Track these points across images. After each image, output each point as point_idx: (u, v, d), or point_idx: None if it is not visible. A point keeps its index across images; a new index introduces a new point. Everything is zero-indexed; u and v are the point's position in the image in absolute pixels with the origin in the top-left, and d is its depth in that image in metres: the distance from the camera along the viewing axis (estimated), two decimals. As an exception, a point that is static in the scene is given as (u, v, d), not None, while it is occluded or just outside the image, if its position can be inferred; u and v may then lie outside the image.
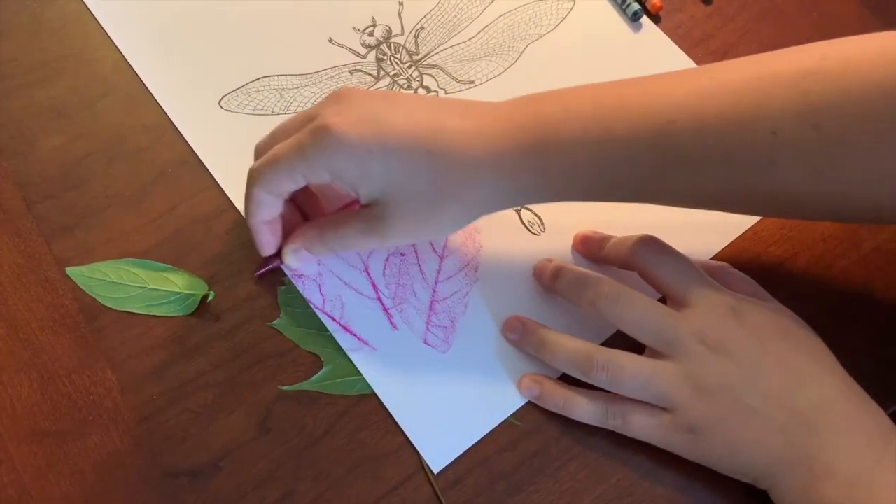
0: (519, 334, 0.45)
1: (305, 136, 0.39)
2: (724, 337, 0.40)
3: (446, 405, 0.44)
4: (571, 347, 0.43)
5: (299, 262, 0.45)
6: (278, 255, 0.45)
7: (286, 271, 0.47)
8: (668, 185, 0.40)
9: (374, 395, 0.44)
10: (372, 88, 0.52)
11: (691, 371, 0.40)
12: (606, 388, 0.42)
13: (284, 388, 0.44)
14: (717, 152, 0.38)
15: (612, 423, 0.42)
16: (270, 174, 0.40)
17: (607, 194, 0.41)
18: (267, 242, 0.44)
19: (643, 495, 0.43)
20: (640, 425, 0.42)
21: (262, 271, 0.46)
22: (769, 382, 0.40)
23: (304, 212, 0.46)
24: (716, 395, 0.40)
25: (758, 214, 0.45)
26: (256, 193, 0.41)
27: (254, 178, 0.41)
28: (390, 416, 0.44)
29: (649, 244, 0.43)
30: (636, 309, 0.42)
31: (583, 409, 0.43)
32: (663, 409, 0.41)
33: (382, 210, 0.40)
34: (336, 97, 0.41)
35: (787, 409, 0.39)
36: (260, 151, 0.43)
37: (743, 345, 0.40)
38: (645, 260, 0.43)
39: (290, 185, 0.41)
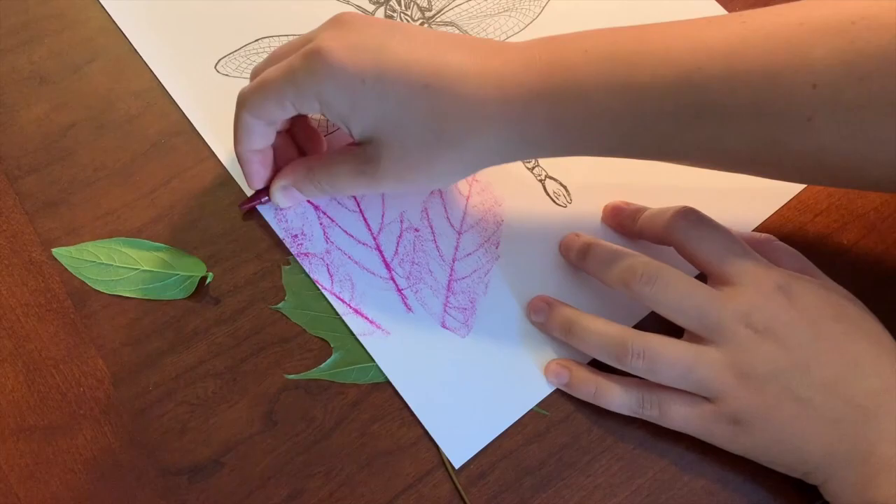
0: (545, 316, 0.42)
1: (297, 59, 0.37)
2: (772, 319, 0.37)
3: (467, 394, 0.41)
4: (603, 331, 0.40)
5: (288, 201, 0.43)
6: (266, 191, 0.43)
7: (270, 211, 0.45)
8: (692, 141, 0.37)
9: (389, 383, 0.42)
10: None
11: (736, 357, 0.37)
12: (642, 376, 0.39)
13: (291, 376, 0.42)
14: (747, 105, 0.35)
15: (649, 414, 0.39)
16: (258, 98, 0.39)
17: (625, 149, 0.38)
18: (256, 174, 0.42)
19: (682, 490, 0.40)
20: (680, 416, 0.39)
21: (247, 205, 0.44)
22: (823, 369, 0.37)
23: (304, 152, 0.44)
24: (763, 384, 0.37)
25: (788, 179, 0.40)
26: (244, 118, 0.39)
27: (242, 103, 0.39)
28: (406, 406, 0.41)
29: (688, 216, 0.40)
30: (674, 289, 0.38)
31: (616, 397, 0.40)
32: (704, 398, 0.38)
33: (376, 150, 0.38)
34: (336, 21, 0.38)
35: (843, 399, 0.36)
36: (254, 75, 0.42)
37: (793, 328, 0.37)
38: (683, 234, 0.40)
39: (279, 112, 0.39)
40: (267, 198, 0.43)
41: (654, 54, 0.36)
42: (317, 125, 0.45)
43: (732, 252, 0.39)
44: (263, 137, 0.40)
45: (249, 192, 0.45)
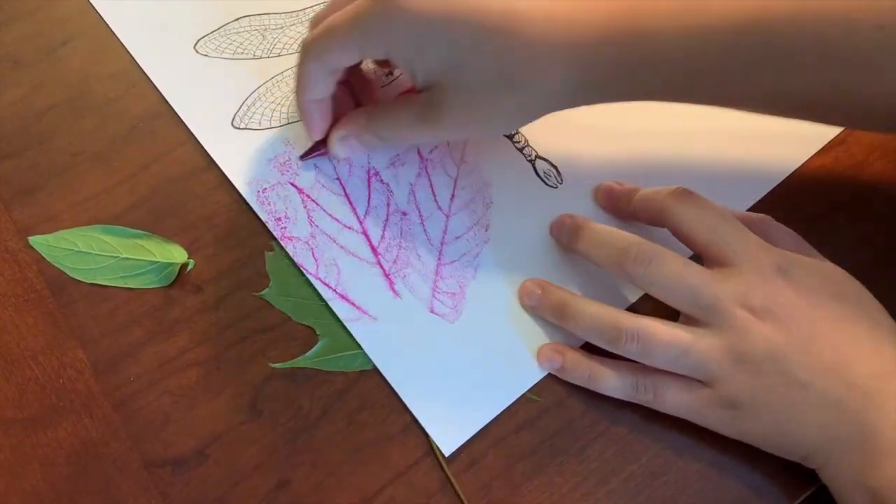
0: (537, 300, 0.41)
1: (364, 3, 0.37)
2: (770, 300, 0.36)
3: (457, 381, 0.40)
4: (597, 314, 0.39)
5: (346, 151, 0.43)
6: (324, 142, 0.43)
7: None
8: (756, 85, 0.37)
9: (376, 370, 0.41)
10: None
11: (732, 340, 0.36)
12: (636, 360, 0.38)
13: (276, 365, 0.41)
14: (813, 48, 0.35)
15: (643, 398, 0.39)
16: (325, 46, 0.38)
17: (688, 92, 0.38)
18: (316, 125, 0.42)
19: (677, 474, 0.39)
20: (675, 400, 0.38)
21: (307, 157, 0.44)
22: (822, 351, 0.36)
23: (358, 100, 0.44)
24: (761, 367, 0.36)
25: (854, 126, 0.41)
26: (310, 68, 0.39)
27: (308, 51, 0.39)
28: (395, 394, 0.40)
29: (683, 196, 0.39)
30: (668, 270, 0.38)
31: (610, 382, 0.39)
32: (700, 381, 0.37)
33: (439, 95, 0.38)
34: None
35: (843, 382, 0.36)
36: (315, 22, 0.41)
37: (792, 309, 0.36)
38: (678, 214, 0.39)
39: (346, 58, 0.39)
40: (325, 149, 0.43)
41: (722, 5, 0.35)
42: (372, 75, 0.45)
43: (728, 232, 0.38)
44: (326, 86, 0.40)
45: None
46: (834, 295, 0.37)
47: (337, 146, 0.42)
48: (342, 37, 0.37)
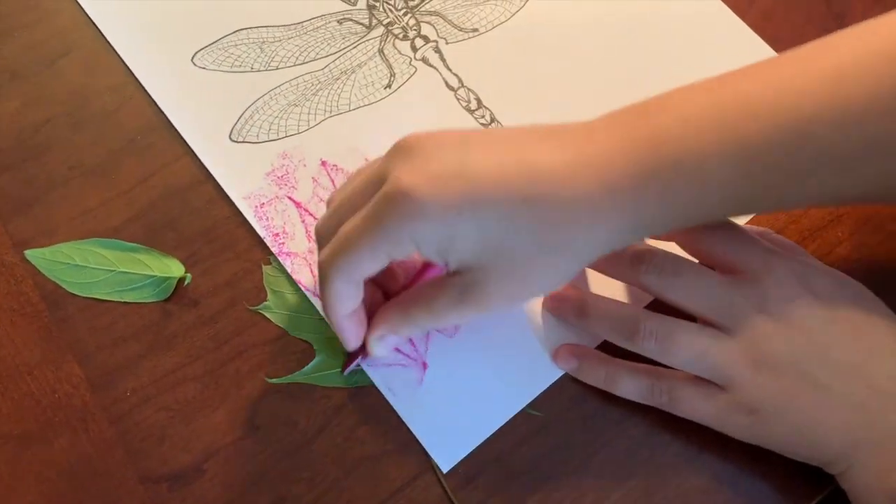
0: (558, 300, 0.41)
1: (381, 206, 0.34)
2: (787, 304, 0.36)
3: (455, 396, 0.40)
4: (616, 310, 0.39)
5: (387, 350, 0.39)
6: (362, 346, 0.39)
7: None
8: (813, 192, 0.35)
9: (374, 386, 0.41)
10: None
11: (752, 344, 0.36)
12: (654, 359, 0.38)
13: (273, 380, 0.41)
14: (866, 147, 0.33)
15: (659, 401, 0.38)
16: (349, 261, 0.35)
17: (740, 210, 0.36)
18: (353, 336, 0.38)
19: (676, 490, 0.39)
20: (691, 404, 0.38)
21: (349, 368, 0.40)
22: (842, 354, 0.36)
23: (380, 285, 0.40)
24: (781, 371, 0.36)
25: None
26: (337, 287, 0.36)
27: (329, 271, 0.36)
28: (392, 409, 0.40)
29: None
30: (685, 275, 0.38)
31: (626, 383, 0.39)
32: (718, 387, 0.37)
33: (477, 274, 0.35)
34: (404, 150, 0.34)
35: (865, 384, 0.36)
36: (324, 234, 0.37)
37: (809, 312, 0.36)
38: (692, 233, 0.39)
39: (374, 267, 0.35)
40: (364, 352, 0.39)
41: (759, 111, 0.33)
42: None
43: (740, 241, 0.38)
44: (356, 298, 0.37)
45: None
46: (850, 301, 0.37)
47: (377, 347, 0.39)
48: (368, 248, 0.34)
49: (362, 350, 0.39)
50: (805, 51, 0.35)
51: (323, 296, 0.37)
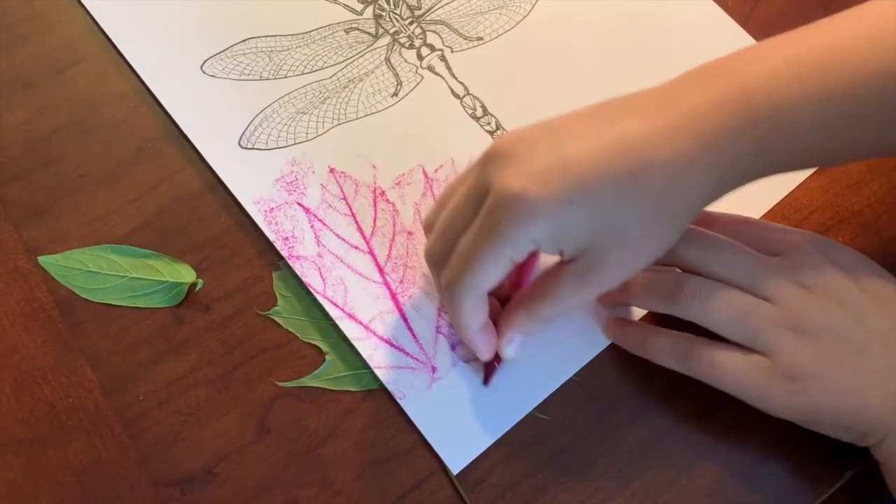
0: None
1: (495, 214, 0.34)
2: (820, 275, 0.37)
3: (464, 399, 0.41)
4: (656, 276, 0.40)
5: (520, 351, 0.40)
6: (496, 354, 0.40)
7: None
8: (890, 139, 0.37)
9: (383, 389, 0.41)
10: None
11: (790, 312, 0.37)
12: (696, 321, 0.38)
13: (284, 384, 0.41)
14: None
15: (696, 366, 0.38)
16: (476, 276, 0.36)
17: (830, 159, 0.39)
18: (489, 347, 0.39)
19: (682, 491, 0.40)
20: (731, 369, 0.37)
21: (489, 380, 0.41)
22: (876, 320, 0.37)
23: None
24: (820, 337, 0.37)
25: None
26: (467, 304, 0.37)
27: (458, 290, 0.36)
28: (401, 412, 0.40)
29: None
30: (724, 250, 0.39)
31: (664, 347, 0.39)
32: (758, 353, 0.37)
33: (595, 257, 0.36)
34: (499, 157, 0.35)
35: None
36: (438, 258, 0.38)
37: (841, 283, 0.37)
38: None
39: (499, 276, 0.36)
40: (499, 362, 0.40)
41: (842, 63, 0.35)
42: None
43: (762, 227, 0.40)
44: (485, 309, 0.38)
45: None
46: (873, 270, 0.38)
47: (509, 351, 0.39)
48: (492, 258, 0.35)
49: (497, 358, 0.40)
50: (869, 6, 0.36)
51: (455, 316, 0.37)
